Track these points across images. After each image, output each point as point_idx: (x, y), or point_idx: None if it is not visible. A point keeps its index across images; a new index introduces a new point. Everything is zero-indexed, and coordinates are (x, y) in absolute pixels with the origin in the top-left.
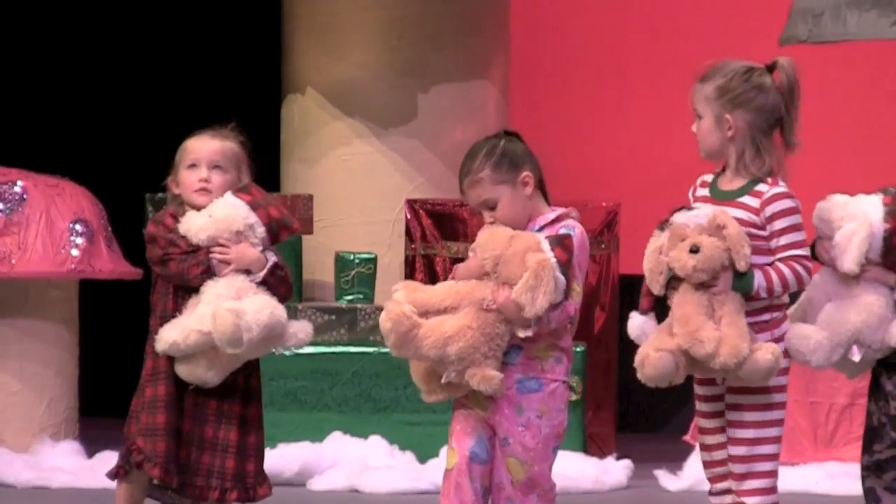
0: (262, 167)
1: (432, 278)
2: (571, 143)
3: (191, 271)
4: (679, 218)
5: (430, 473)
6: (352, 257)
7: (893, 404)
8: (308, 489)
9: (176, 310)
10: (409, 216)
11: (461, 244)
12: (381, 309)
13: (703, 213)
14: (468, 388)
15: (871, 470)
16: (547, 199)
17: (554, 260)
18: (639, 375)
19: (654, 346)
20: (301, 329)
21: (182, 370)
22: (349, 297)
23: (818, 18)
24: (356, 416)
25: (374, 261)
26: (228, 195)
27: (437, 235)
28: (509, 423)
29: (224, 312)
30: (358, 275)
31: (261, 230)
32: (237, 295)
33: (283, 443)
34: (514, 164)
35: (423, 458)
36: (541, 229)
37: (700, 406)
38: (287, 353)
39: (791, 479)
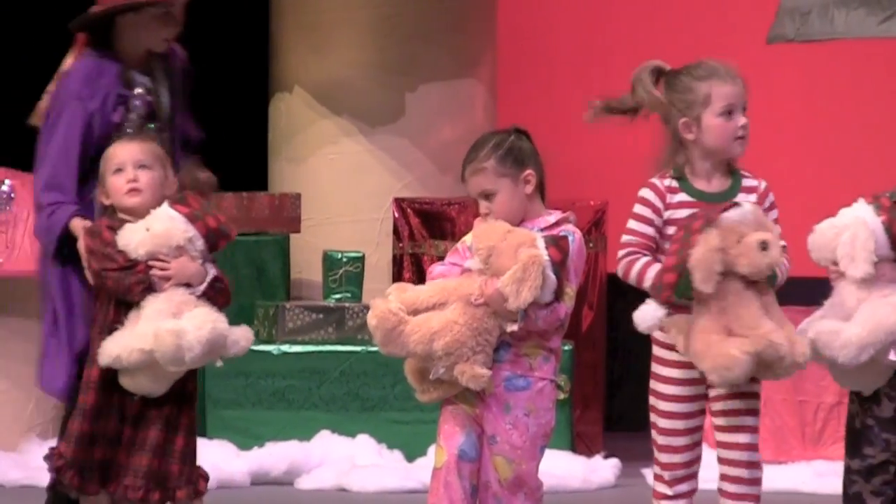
0: (250, 166)
1: (420, 277)
2: (559, 142)
3: (131, 288)
4: (732, 216)
5: (419, 472)
6: (339, 256)
7: (887, 405)
8: (296, 488)
9: (116, 321)
10: (396, 215)
11: (449, 243)
12: (368, 308)
13: (747, 210)
14: (461, 385)
15: (862, 475)
16: (544, 201)
17: (547, 258)
18: (725, 377)
19: (738, 347)
20: (242, 336)
21: (126, 382)
22: (337, 296)
23: (806, 17)
24: (344, 414)
25: (361, 259)
26: (165, 207)
27: (425, 234)
28: (497, 421)
29: (164, 334)
30: (346, 273)
31: (199, 243)
32: (177, 309)
33: (270, 441)
34: (519, 161)
35: (411, 457)
36: (541, 231)
37: (676, 407)
38: (274, 352)
39: (779, 477)
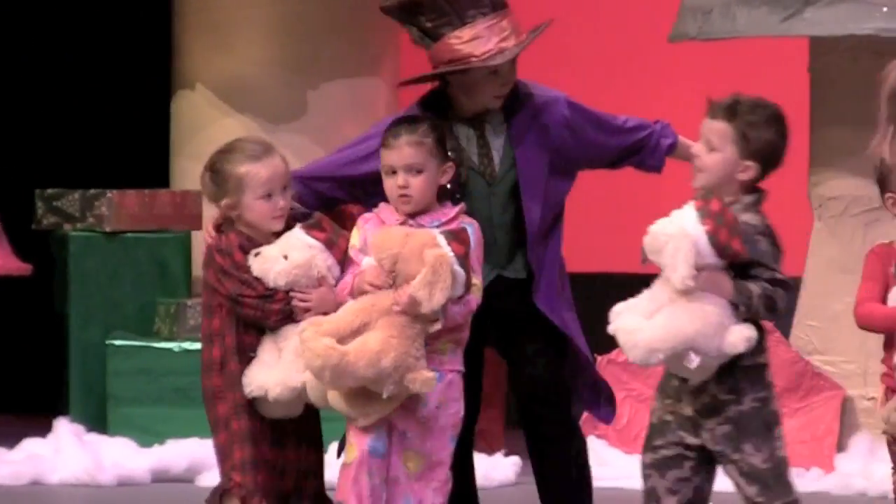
0: (152, 163)
1: None
2: None
3: (269, 317)
4: None
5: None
6: None
7: (687, 403)
8: (197, 485)
9: (241, 343)
10: None
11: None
12: None
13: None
14: (403, 397)
15: (655, 468)
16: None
17: (451, 254)
18: None
19: None
20: None
21: (265, 409)
22: None
23: (707, 15)
24: None
25: None
26: (302, 234)
27: None
28: (409, 417)
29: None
30: None
31: (336, 270)
32: None
33: (171, 439)
34: (446, 150)
35: None
36: (440, 224)
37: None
38: (176, 349)
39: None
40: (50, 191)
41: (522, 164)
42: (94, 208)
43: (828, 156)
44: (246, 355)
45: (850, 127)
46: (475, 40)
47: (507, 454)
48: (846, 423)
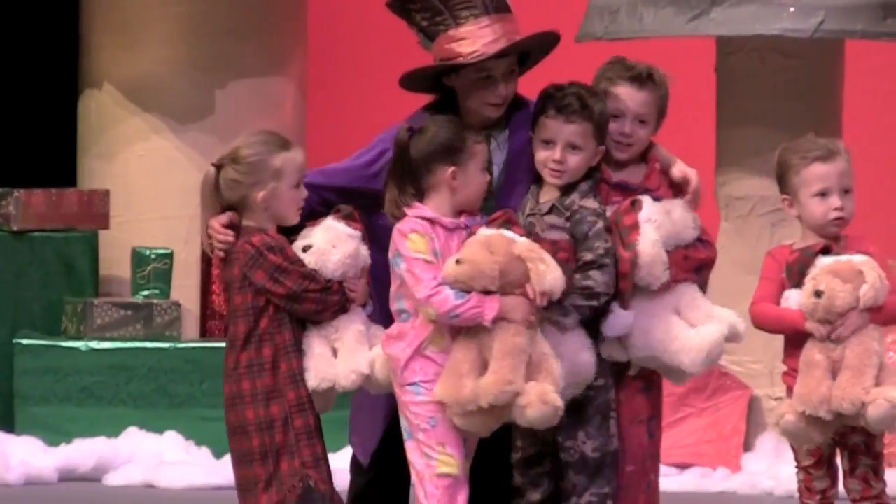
0: (59, 162)
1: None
2: (368, 140)
3: (328, 310)
4: None
5: (226, 468)
6: (148, 253)
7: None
8: (104, 484)
9: (297, 340)
10: None
11: None
12: (177, 304)
13: None
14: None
15: (520, 467)
16: None
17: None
18: None
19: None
20: None
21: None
22: (145, 293)
23: (614, 15)
24: (152, 411)
25: (170, 256)
26: (341, 224)
27: None
28: None
29: (382, 359)
30: (154, 270)
31: (369, 260)
32: (365, 329)
33: (78, 438)
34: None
35: (218, 454)
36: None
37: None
38: (83, 348)
39: None
40: None
41: (507, 188)
42: (1, 207)
43: (734, 156)
44: (299, 352)
45: (757, 127)
46: (465, 40)
47: None
48: (753, 422)
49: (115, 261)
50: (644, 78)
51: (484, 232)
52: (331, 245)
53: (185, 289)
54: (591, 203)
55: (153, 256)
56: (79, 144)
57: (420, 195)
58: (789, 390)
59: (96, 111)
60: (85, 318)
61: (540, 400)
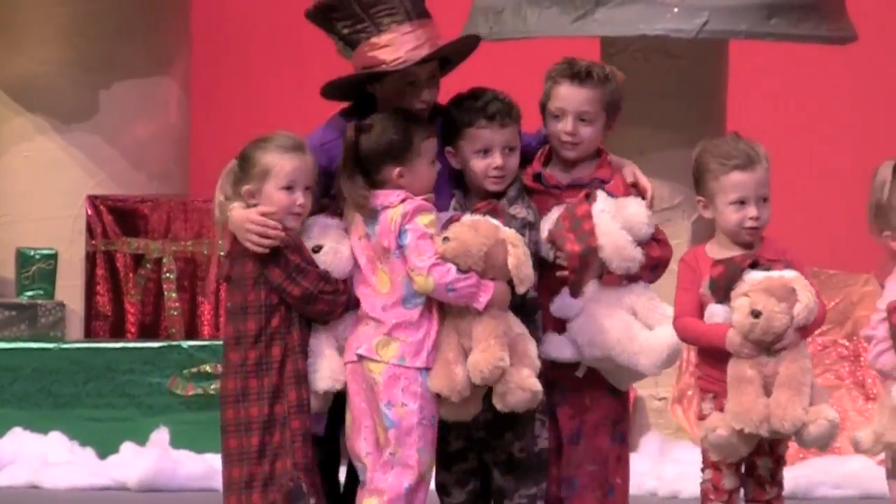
0: None
1: (113, 274)
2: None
3: (337, 310)
4: None
5: (110, 469)
6: (32, 253)
7: None
8: None
9: (302, 342)
10: (90, 212)
11: (142, 240)
12: (61, 305)
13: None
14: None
15: (444, 462)
16: None
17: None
18: None
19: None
20: None
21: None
22: (30, 293)
23: (499, 15)
24: (36, 411)
25: (54, 257)
26: (333, 220)
27: (118, 231)
28: None
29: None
30: (38, 270)
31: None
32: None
33: None
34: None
35: (103, 454)
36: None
37: None
38: None
39: None
40: None
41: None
42: None
43: (620, 155)
44: (304, 353)
45: (642, 127)
46: (388, 47)
47: None
48: (637, 422)
49: None
50: (583, 75)
51: (470, 217)
52: (339, 244)
53: (70, 289)
54: (521, 211)
55: (38, 257)
56: None
57: (375, 187)
58: (703, 392)
59: None
60: None
61: (518, 387)
